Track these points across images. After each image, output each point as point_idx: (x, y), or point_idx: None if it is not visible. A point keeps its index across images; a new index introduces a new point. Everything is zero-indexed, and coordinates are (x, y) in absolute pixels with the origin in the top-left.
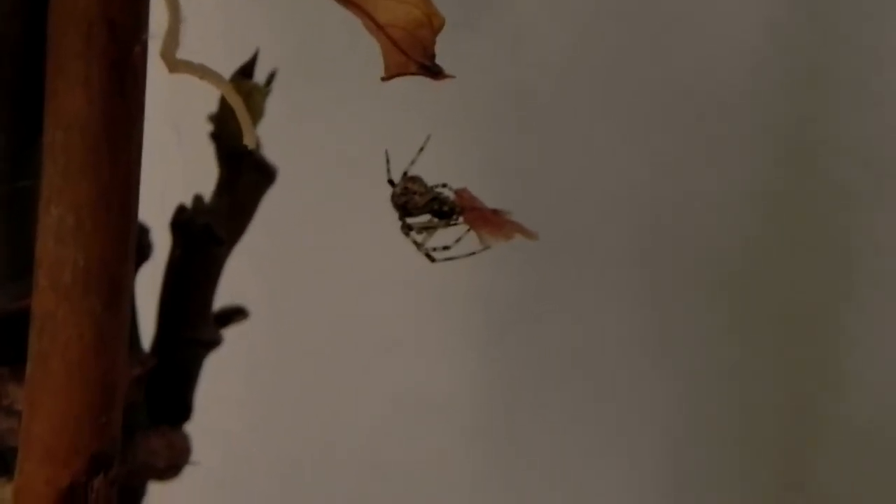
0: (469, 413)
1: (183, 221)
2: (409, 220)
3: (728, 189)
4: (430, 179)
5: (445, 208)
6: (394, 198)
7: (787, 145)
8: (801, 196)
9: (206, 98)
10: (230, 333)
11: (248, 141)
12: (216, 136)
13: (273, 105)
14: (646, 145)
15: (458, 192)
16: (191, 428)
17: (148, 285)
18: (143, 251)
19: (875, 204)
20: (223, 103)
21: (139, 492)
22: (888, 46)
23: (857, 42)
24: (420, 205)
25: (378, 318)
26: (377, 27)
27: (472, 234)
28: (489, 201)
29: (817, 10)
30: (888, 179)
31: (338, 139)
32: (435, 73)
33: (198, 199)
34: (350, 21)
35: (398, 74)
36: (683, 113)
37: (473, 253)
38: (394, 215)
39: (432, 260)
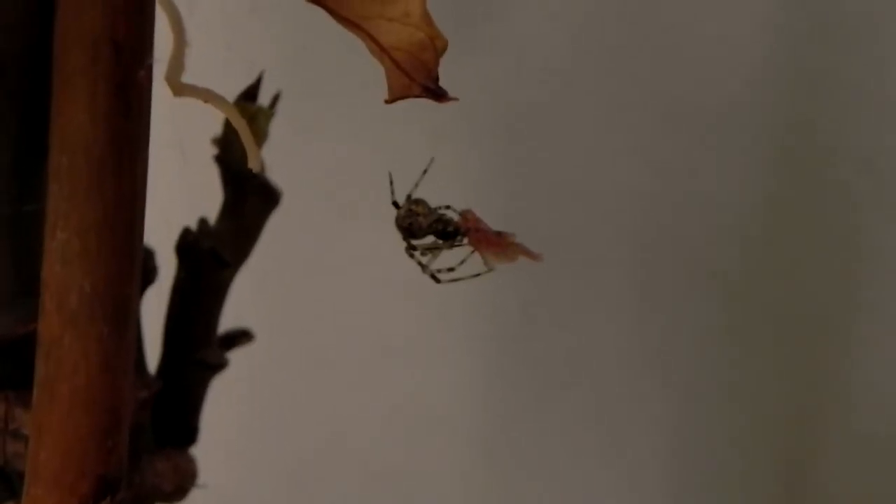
0: (470, 421)
1: (188, 244)
2: (414, 242)
3: (729, 194)
4: (432, 192)
5: (449, 229)
6: (398, 220)
7: (788, 149)
8: (801, 199)
9: (211, 121)
10: (234, 353)
11: (252, 164)
12: (221, 160)
13: (277, 127)
14: (646, 152)
15: (463, 214)
16: (196, 450)
17: (153, 308)
18: (148, 274)
19: (876, 207)
20: (227, 126)
21: None
22: (889, 49)
23: (858, 45)
24: (424, 226)
25: (380, 328)
26: (381, 50)
27: (477, 255)
28: (490, 213)
29: (817, 13)
30: (889, 182)
31: (341, 159)
32: (439, 95)
33: (203, 222)
34: (353, 44)
35: (402, 97)
36: (684, 119)
37: (478, 274)
38: (393, 230)
39: (437, 281)
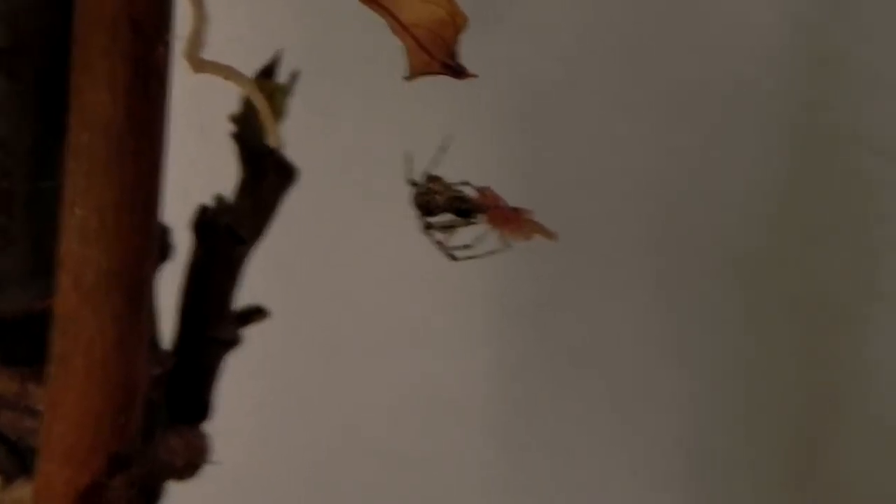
0: (483, 407)
1: (205, 221)
2: (431, 220)
3: (743, 179)
4: (447, 174)
5: (466, 207)
6: (415, 197)
7: (803, 134)
8: (817, 185)
9: (229, 98)
10: (249, 330)
11: (271, 141)
12: (238, 137)
13: (294, 105)
14: (661, 137)
15: (480, 191)
16: (210, 427)
17: (169, 285)
18: (164, 251)
19: (892, 191)
20: (245, 103)
21: (158, 491)
22: None
23: (872, 29)
24: (441, 204)
25: (393, 314)
26: (401, 27)
27: (493, 232)
28: (505, 196)
29: None
30: None
31: (357, 138)
32: (458, 72)
33: (219, 198)
34: (372, 20)
35: (422, 74)
36: (699, 104)
37: (494, 252)
38: (410, 213)
39: (454, 259)
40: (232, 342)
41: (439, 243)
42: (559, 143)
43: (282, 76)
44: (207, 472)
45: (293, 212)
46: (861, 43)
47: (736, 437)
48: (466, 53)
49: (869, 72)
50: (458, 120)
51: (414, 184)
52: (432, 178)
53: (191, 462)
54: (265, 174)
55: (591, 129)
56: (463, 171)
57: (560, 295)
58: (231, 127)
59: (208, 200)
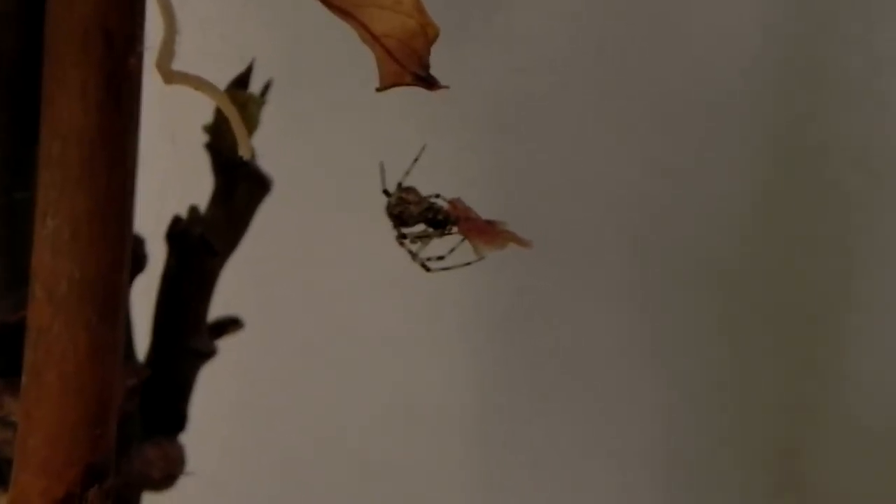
0: (462, 416)
1: (178, 232)
2: (404, 230)
3: (723, 191)
4: (423, 185)
5: (440, 217)
6: (389, 208)
7: (784, 146)
8: (797, 197)
9: (202, 109)
10: (224, 341)
11: (243, 152)
12: (211, 147)
13: (267, 115)
14: (640, 148)
15: (451, 202)
16: (185, 438)
17: (143, 296)
18: (138, 262)
19: (872, 204)
20: (218, 114)
21: (134, 502)
22: (886, 46)
23: (854, 42)
24: (415, 214)
25: (371, 321)
26: (372, 38)
27: (467, 243)
28: (482, 206)
29: (813, 9)
30: (886, 180)
31: (332, 148)
32: (430, 83)
33: (193, 209)
34: (345, 31)
35: (393, 85)
36: (679, 115)
37: (468, 263)
38: (387, 222)
39: (427, 270)
40: (207, 353)
41: (413, 254)
42: (538, 152)
43: (255, 86)
44: (183, 482)
45: (268, 222)
46: (843, 55)
47: (717, 445)
48: (443, 63)
49: (850, 83)
50: (435, 129)
51: (388, 194)
52: (406, 189)
53: (167, 473)
54: (239, 185)
55: (570, 138)
56: (442, 181)
57: (539, 302)
58: (204, 137)
59: (182, 211)
